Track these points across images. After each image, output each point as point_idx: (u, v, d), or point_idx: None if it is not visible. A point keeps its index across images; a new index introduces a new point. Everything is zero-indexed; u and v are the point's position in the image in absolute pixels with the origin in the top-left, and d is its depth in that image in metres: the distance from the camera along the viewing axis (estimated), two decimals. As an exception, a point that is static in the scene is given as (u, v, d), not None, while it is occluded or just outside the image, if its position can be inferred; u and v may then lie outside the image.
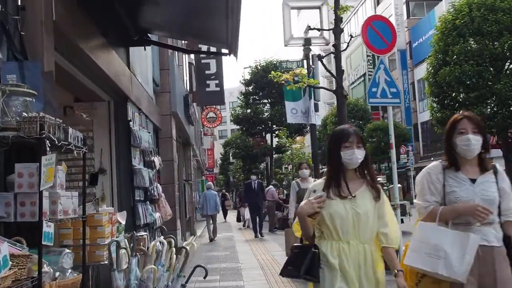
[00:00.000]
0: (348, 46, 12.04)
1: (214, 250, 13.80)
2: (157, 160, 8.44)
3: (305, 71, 12.05)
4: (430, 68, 28.52)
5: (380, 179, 19.16)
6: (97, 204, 4.86)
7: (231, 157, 56.71)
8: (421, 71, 47.13)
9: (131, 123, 7.12)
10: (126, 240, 5.11)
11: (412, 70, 48.63)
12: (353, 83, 61.99)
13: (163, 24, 7.21)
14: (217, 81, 18.17)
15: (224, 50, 7.07)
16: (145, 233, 6.79)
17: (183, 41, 14.36)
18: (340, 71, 11.27)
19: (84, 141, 3.58)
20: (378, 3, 53.10)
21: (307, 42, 16.17)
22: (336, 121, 43.45)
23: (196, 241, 16.77)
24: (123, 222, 5.40)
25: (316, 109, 16.63)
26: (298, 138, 28.08)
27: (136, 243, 5.49)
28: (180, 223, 14.29)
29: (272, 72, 12.39)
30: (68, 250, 3.35)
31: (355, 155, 3.22)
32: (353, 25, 60.80)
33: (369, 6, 55.39)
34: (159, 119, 10.69)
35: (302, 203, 3.28)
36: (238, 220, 24.68)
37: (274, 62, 33.58)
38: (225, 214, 29.52)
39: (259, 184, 18.19)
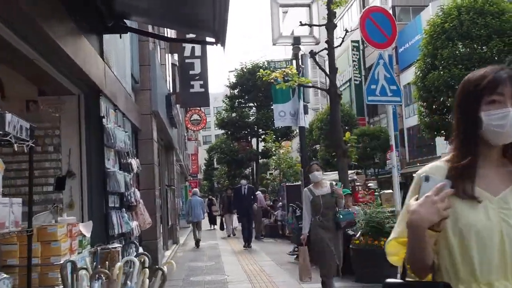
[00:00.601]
0: (342, 42, 11.31)
1: (198, 260, 12.97)
2: (134, 162, 7.62)
3: (295, 70, 11.27)
4: (419, 72, 28.03)
5: (371, 184, 18.52)
6: (56, 213, 4.03)
7: (215, 163, 55.82)
8: (408, 76, 46.75)
9: (104, 120, 6.30)
10: (89, 257, 4.24)
11: (398, 76, 48.08)
12: (339, 87, 61.35)
13: (142, 8, 6.40)
14: (201, 82, 17.38)
15: (210, 39, 6.28)
16: (119, 245, 5.96)
17: (166, 30, 13.60)
18: (333, 69, 10.58)
19: (31, 132, 2.77)
20: (364, 6, 52.60)
21: (296, 41, 15.46)
22: (322, 126, 42.84)
23: (179, 249, 15.93)
24: (88, 235, 4.57)
25: (306, 111, 15.92)
26: (284, 143, 27.41)
27: (103, 260, 4.62)
28: (162, 231, 13.46)
29: (261, 70, 11.62)
30: (4, 275, 2.54)
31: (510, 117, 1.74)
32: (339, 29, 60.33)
33: (354, 11, 54.99)
34: (139, 118, 9.87)
35: (414, 203, 1.72)
36: (222, 228, 23.12)
37: (260, 64, 32.91)
38: (212, 221, 27.71)
39: (250, 189, 16.71)
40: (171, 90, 18.38)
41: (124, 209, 7.10)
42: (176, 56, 18.17)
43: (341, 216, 7.38)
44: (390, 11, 49.12)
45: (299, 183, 17.74)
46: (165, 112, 12.54)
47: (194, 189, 24.38)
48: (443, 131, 27.97)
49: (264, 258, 12.37)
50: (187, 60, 17.53)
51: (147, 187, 10.04)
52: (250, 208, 16.09)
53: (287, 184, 18.60)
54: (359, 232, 8.50)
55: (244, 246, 15.55)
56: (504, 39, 24.36)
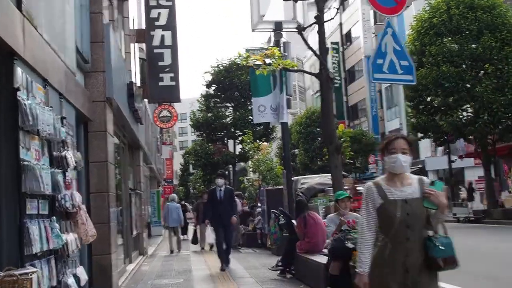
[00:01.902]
0: (335, 15, 9.65)
1: (164, 276, 11.18)
2: (71, 156, 5.79)
3: (278, 52, 9.56)
4: (405, 71, 26.63)
5: (361, 188, 16.88)
6: None
7: (191, 168, 53.86)
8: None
9: (20, 93, 4.50)
10: None
11: (380, 77, 46.70)
12: (317, 91, 60.09)
13: None
14: (172, 74, 15.54)
15: None
16: (33, 270, 4.18)
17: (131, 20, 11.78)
18: (324, 49, 8.90)
19: None
20: (344, 9, 51.40)
21: (277, 27, 13.80)
22: (302, 130, 41.18)
23: (145, 262, 14.06)
24: None
25: (288, 106, 14.23)
26: (263, 144, 25.73)
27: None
28: (123, 242, 11.59)
29: (238, 52, 9.91)
30: None
31: None
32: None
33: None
34: (89, 106, 8.06)
35: None
36: (194, 242, 17.49)
37: (238, 61, 31.17)
38: (183, 230, 21.43)
39: (228, 191, 11.88)
40: (139, 84, 16.55)
41: (55, 218, 5.28)
42: (144, 46, 16.34)
43: (440, 247, 3.55)
44: (371, 12, 47.98)
45: (281, 186, 16.04)
46: (126, 103, 10.73)
47: (172, 195, 22.79)
48: (430, 133, 26.63)
49: (242, 273, 10.61)
50: (156, 50, 15.68)
51: (98, 190, 8.21)
52: (228, 218, 11.51)
53: (267, 188, 16.83)
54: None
55: (221, 269, 11.23)
56: (496, 34, 23.07)
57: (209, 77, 31.70)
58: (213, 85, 31.66)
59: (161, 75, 15.52)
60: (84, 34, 7.99)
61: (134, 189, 13.87)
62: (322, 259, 8.12)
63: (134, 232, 13.28)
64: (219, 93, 31.82)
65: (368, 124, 47.97)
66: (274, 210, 10.44)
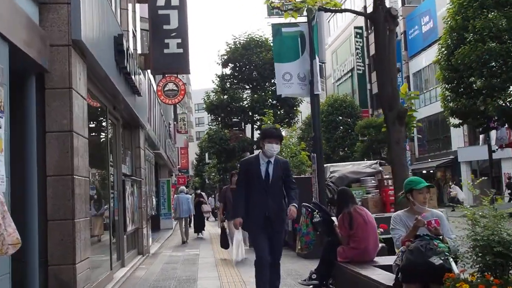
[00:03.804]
0: None
1: (163, 281, 8.73)
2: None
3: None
4: (443, 49, 23.74)
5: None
6: None
7: (207, 157, 51.40)
8: (418, 63, 42.61)
9: None
10: None
11: (407, 63, 44.08)
12: (339, 79, 57.49)
13: None
14: (179, 40, 13.09)
15: None
16: None
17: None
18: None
19: None
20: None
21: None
22: (323, 118, 38.55)
23: (143, 264, 11.61)
24: None
25: (321, 74, 11.61)
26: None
27: None
28: (112, 240, 9.12)
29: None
30: None
31: None
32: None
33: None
34: (44, 51, 5.56)
35: None
36: (225, 245, 11.68)
37: (257, 38, 28.41)
38: (200, 225, 19.61)
39: (283, 166, 6.47)
40: (140, 51, 14.05)
41: None
42: (146, 7, 13.81)
43: None
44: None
45: (310, 175, 13.51)
46: (112, 61, 8.20)
47: (181, 187, 21.87)
48: (470, 119, 23.75)
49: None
50: (160, 11, 13.26)
51: (58, 172, 5.72)
52: (279, 214, 6.39)
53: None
54: (466, 265, 4.16)
55: None
56: (552, 5, 20.13)
57: (224, 55, 28.93)
58: (229, 64, 28.91)
59: (166, 41, 13.12)
60: None
61: (129, 175, 11.37)
62: (378, 275, 5.57)
63: (130, 228, 10.80)
64: (235, 73, 29.08)
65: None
66: (307, 204, 7.87)
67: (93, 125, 8.65)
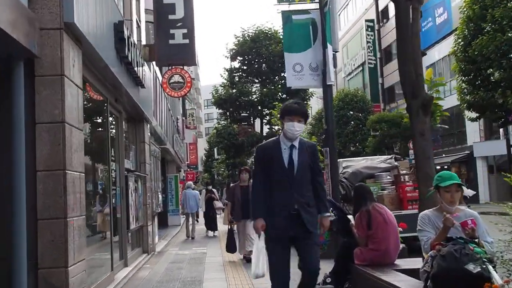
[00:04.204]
0: None
1: (167, 283, 8.24)
2: None
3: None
4: (460, 40, 23.01)
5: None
6: None
7: (215, 153, 50.93)
8: (431, 56, 41.78)
9: None
10: None
11: (420, 56, 43.02)
12: (350, 73, 56.77)
13: None
14: (185, 30, 12.53)
15: None
16: None
17: None
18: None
19: None
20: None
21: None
22: (334, 113, 38.04)
23: (148, 263, 11.10)
24: None
25: (334, 64, 11.05)
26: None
27: None
28: (114, 239, 8.62)
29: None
30: None
31: None
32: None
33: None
34: (32, 33, 5.05)
35: None
36: (231, 249, 11.22)
37: (266, 30, 27.78)
38: (210, 222, 18.28)
39: (310, 150, 5.07)
40: (145, 42, 13.54)
41: None
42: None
43: None
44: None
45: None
46: (112, 48, 7.67)
47: (188, 182, 21.99)
48: (488, 112, 23.03)
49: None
50: (165, 0, 12.69)
51: (49, 166, 5.19)
52: (310, 216, 4.99)
53: None
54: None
55: None
56: None
57: (233, 49, 28.27)
58: (237, 57, 28.30)
59: (172, 31, 12.56)
60: None
61: (133, 170, 10.86)
62: (403, 281, 5.03)
63: (133, 226, 10.30)
64: (244, 67, 28.46)
65: (406, 108, 44.27)
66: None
67: (93, 118, 8.15)
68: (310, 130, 37.66)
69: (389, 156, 14.96)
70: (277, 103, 19.80)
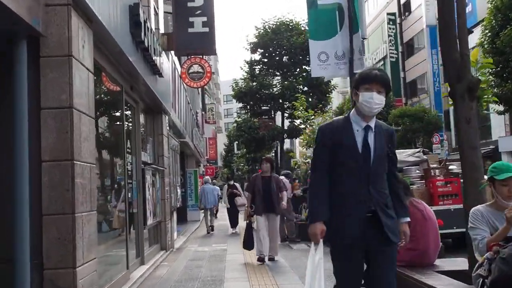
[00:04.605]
0: None
1: (186, 282, 7.77)
2: None
3: None
4: (487, 31, 22.19)
5: (454, 167, 12.98)
6: None
7: (235, 148, 50.45)
8: (454, 49, 40.83)
9: None
10: None
11: (444, 50, 42.12)
12: (377, 62, 55.81)
13: None
14: (204, 18, 12.08)
15: None
16: None
17: None
18: None
19: None
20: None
21: None
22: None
23: (165, 260, 10.66)
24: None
25: (362, 51, 10.42)
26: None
27: None
28: (130, 236, 8.18)
29: None
30: None
31: None
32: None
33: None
34: (36, 9, 4.58)
35: None
36: (249, 245, 10.26)
37: (287, 21, 27.14)
38: (233, 219, 17.58)
39: (386, 134, 3.87)
40: (162, 31, 13.07)
41: None
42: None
43: None
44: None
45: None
46: (126, 32, 7.20)
47: (206, 177, 22.20)
48: (516, 106, 22.17)
49: (294, 283, 7.06)
50: (184, -12, 12.23)
51: (55, 156, 4.73)
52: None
53: None
54: None
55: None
56: None
57: (253, 41, 27.64)
58: (258, 49, 27.70)
59: (191, 19, 12.13)
60: None
61: (150, 164, 10.40)
62: (450, 286, 4.47)
63: (150, 222, 9.84)
64: (265, 59, 27.87)
65: (429, 101, 43.40)
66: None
67: (107, 106, 7.68)
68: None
69: (417, 150, 14.31)
70: (299, 95, 19.20)
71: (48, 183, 4.72)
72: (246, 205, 14.99)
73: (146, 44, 8.16)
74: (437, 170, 11.67)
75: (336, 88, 30.95)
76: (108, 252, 7.10)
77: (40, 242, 4.65)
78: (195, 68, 12.62)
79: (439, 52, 39.86)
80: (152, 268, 9.18)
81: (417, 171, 12.32)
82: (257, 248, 9.93)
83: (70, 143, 4.80)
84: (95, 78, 5.77)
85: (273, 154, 30.91)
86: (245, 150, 32.98)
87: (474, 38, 26.37)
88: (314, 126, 15.48)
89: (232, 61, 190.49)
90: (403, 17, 49.40)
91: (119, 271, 7.46)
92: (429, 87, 43.90)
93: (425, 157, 12.79)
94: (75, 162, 4.82)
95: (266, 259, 9.82)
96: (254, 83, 27.33)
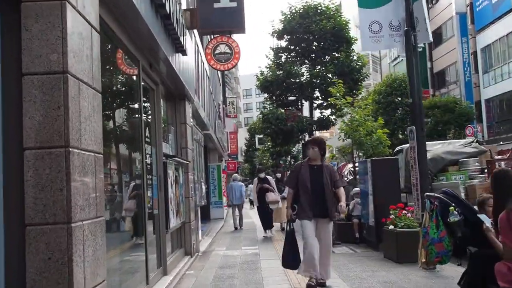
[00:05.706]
0: None
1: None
2: None
3: None
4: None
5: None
6: None
7: (257, 142, 48.97)
8: (486, 37, 38.86)
9: None
10: None
11: (474, 37, 40.47)
12: (395, 59, 53.91)
13: None
14: (232, -9, 10.61)
15: None
16: None
17: None
18: None
19: None
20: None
21: None
22: (381, 99, 35.18)
23: (191, 268, 9.23)
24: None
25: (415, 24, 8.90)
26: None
27: None
28: (155, 242, 6.75)
29: None
30: None
31: None
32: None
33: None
34: None
35: None
36: (289, 263, 7.26)
37: (316, 5, 25.45)
38: (266, 219, 14.58)
39: None
40: (185, 6, 11.61)
41: None
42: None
43: None
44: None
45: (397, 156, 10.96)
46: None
47: (234, 174, 22.14)
48: None
49: (337, 285, 5.66)
50: (209, -44, 10.78)
51: (42, 141, 3.35)
52: None
53: (375, 158, 11.35)
54: None
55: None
56: None
57: (279, 26, 25.98)
58: (284, 36, 26.05)
59: (216, -7, 10.66)
60: None
61: (173, 156, 8.96)
62: None
63: (173, 224, 8.41)
64: (291, 46, 26.22)
65: (460, 92, 41.50)
66: (432, 194, 5.22)
67: (119, 84, 6.27)
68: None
69: (469, 140, 12.77)
70: (336, 79, 17.62)
71: (33, 180, 3.29)
72: (278, 202, 13.42)
73: (168, 10, 6.70)
74: (502, 162, 10.10)
75: (368, 77, 29.23)
76: (123, 266, 5.69)
77: (22, 265, 3.24)
78: (222, 48, 11.16)
79: (469, 40, 37.94)
80: (177, 280, 7.76)
81: (476, 164, 10.79)
82: (304, 267, 7.04)
83: (64, 123, 3.38)
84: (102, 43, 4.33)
85: (300, 148, 29.23)
86: (269, 143, 31.16)
87: (505, 26, 24.57)
88: (351, 115, 13.95)
89: (251, 55, 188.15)
90: (430, 5, 47.46)
91: (137, 286, 6.05)
92: (459, 77, 42.00)
93: (483, 147, 11.24)
94: (71, 149, 3.39)
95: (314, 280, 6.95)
96: (281, 72, 25.73)
